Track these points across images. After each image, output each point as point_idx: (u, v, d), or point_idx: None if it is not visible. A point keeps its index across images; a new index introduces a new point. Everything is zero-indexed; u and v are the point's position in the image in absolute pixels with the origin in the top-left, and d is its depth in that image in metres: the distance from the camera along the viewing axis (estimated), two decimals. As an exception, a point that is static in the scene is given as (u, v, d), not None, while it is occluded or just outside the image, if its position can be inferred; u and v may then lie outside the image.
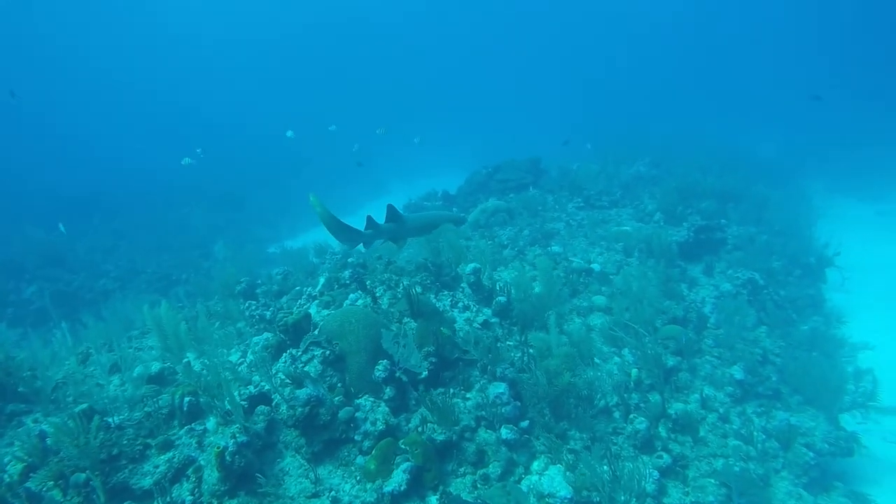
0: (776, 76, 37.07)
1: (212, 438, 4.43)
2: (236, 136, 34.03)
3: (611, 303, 7.36)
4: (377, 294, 6.27)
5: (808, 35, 43.11)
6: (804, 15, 44.20)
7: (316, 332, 5.45)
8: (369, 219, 6.04)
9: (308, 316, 5.36)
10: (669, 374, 6.28)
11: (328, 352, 4.99)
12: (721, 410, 5.91)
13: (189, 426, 4.57)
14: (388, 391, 4.97)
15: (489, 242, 9.13)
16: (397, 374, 5.10)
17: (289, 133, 19.85)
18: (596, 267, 8.17)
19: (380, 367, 5.00)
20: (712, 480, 4.93)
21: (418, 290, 6.32)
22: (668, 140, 18.74)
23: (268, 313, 7.14)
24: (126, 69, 50.88)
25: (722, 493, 4.79)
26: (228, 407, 4.48)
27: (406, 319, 5.89)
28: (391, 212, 6.14)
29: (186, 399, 4.63)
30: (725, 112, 28.43)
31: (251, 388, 5.04)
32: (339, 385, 4.92)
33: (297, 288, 7.98)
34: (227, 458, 4.05)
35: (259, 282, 9.30)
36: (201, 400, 4.64)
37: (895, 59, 33.74)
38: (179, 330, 6.61)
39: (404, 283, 6.38)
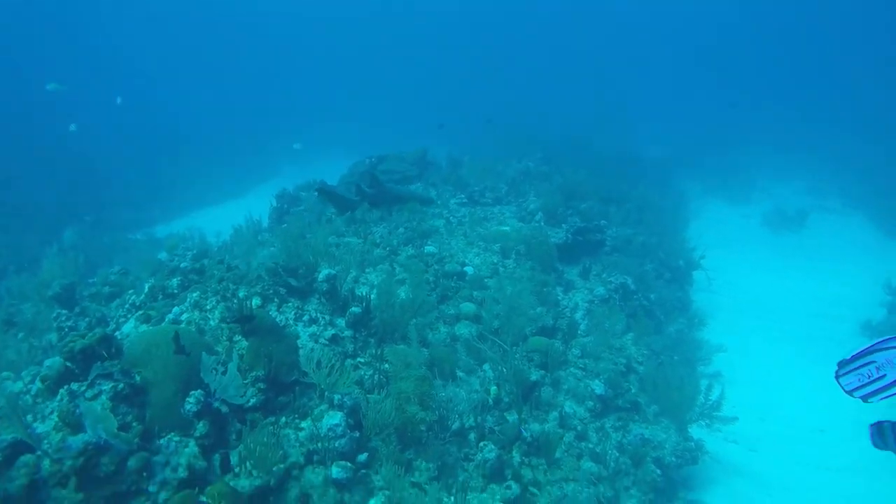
0: (671, 79, 39.26)
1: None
2: (106, 105, 30.55)
3: (480, 310, 7.01)
4: (208, 306, 5.42)
5: (699, 39, 46.09)
6: (698, 22, 47.11)
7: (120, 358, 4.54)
8: (357, 186, 6.59)
9: (106, 339, 4.43)
10: (532, 389, 6.01)
11: (122, 385, 4.11)
12: (579, 428, 5.74)
13: None
14: (201, 427, 4.21)
15: (360, 241, 8.46)
16: (215, 405, 4.35)
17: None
18: (469, 270, 7.79)
19: (191, 399, 4.22)
20: (559, 510, 4.69)
21: (256, 301, 5.56)
22: (563, 135, 19.00)
23: (83, 323, 6.05)
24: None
25: (567, 525, 4.56)
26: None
27: (237, 338, 5.11)
28: (374, 179, 6.61)
29: None
30: (621, 110, 29.61)
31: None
32: (134, 424, 4.08)
33: (131, 292, 6.88)
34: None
35: (92, 280, 8.04)
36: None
37: (769, 75, 36.84)
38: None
39: (241, 293, 5.57)
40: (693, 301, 10.66)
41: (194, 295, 5.48)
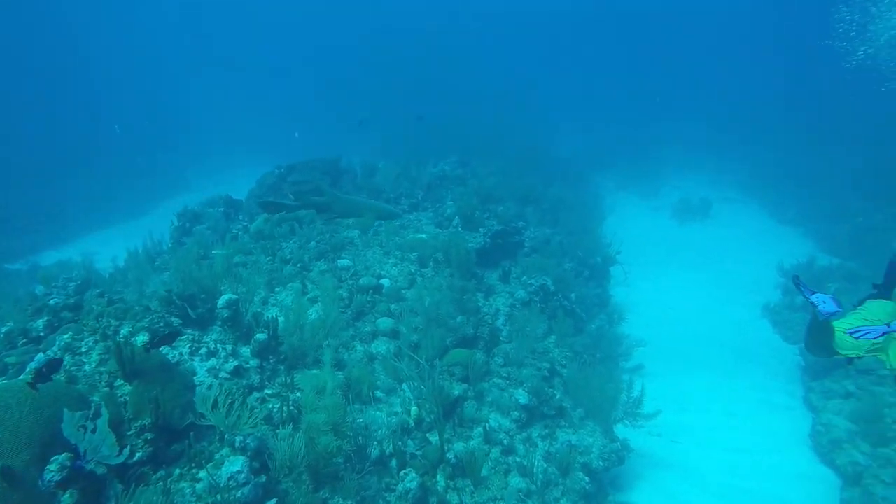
0: (585, 77, 40.60)
1: None
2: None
3: (398, 324, 6.71)
4: (83, 349, 4.74)
5: (610, 39, 47.97)
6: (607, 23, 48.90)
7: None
8: (298, 193, 6.39)
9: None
10: (455, 405, 5.78)
11: (-47, 461, 3.42)
12: (506, 442, 5.56)
13: None
14: (67, 498, 3.59)
15: (269, 258, 7.91)
16: (88, 468, 3.75)
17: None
18: (386, 282, 7.46)
19: (52, 467, 3.59)
20: (487, 535, 4.48)
21: (143, 338, 4.95)
22: (480, 135, 18.94)
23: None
24: None
25: (495, 551, 4.35)
26: None
27: (119, 382, 4.50)
28: (322, 187, 6.32)
29: None
30: (537, 108, 30.17)
31: None
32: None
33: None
34: None
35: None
36: None
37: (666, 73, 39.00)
38: None
39: (125, 330, 4.93)
40: (612, 296, 10.91)
41: (65, 337, 4.77)
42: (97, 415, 3.77)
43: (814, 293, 3.45)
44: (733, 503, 6.29)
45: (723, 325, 10.32)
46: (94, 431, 3.69)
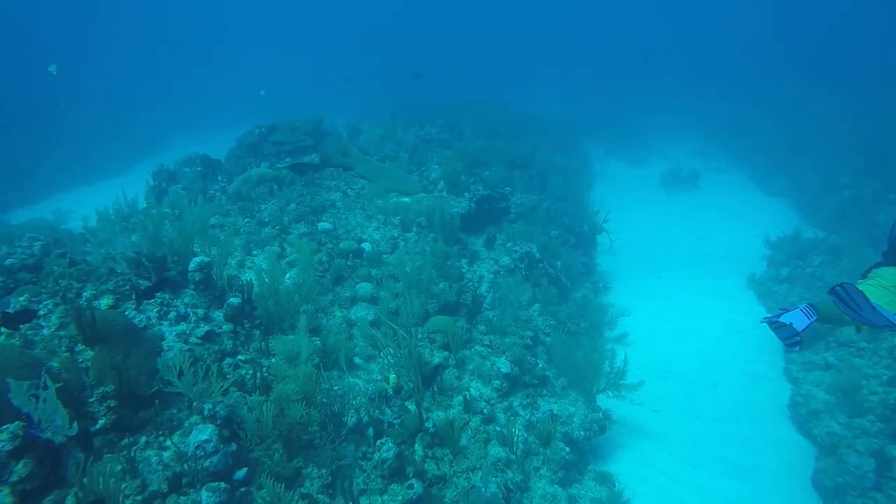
0: (572, 46, 39.66)
1: None
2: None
3: (379, 290, 6.51)
4: (41, 312, 4.49)
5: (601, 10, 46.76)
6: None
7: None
8: (323, 151, 6.85)
9: None
10: (435, 373, 5.65)
11: None
12: (486, 411, 5.46)
13: None
14: (21, 468, 3.41)
15: (246, 220, 7.62)
16: (45, 437, 3.56)
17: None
18: (367, 247, 7.23)
19: (3, 436, 3.39)
20: (465, 505, 4.39)
21: (108, 301, 4.70)
22: (468, 100, 18.51)
23: None
24: None
25: (473, 521, 4.27)
26: None
27: (80, 347, 4.27)
28: (345, 147, 6.37)
29: None
30: (526, 74, 29.52)
31: None
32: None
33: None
34: None
35: None
36: None
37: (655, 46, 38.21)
38: None
39: (87, 292, 4.67)
40: (598, 265, 10.80)
41: (21, 299, 4.51)
42: (46, 385, 3.53)
43: (780, 315, 3.42)
44: (710, 471, 6.31)
45: (709, 295, 10.26)
46: (45, 401, 3.47)
